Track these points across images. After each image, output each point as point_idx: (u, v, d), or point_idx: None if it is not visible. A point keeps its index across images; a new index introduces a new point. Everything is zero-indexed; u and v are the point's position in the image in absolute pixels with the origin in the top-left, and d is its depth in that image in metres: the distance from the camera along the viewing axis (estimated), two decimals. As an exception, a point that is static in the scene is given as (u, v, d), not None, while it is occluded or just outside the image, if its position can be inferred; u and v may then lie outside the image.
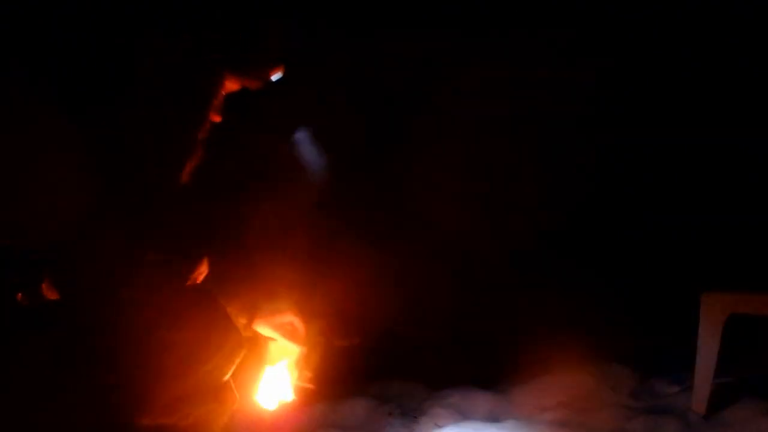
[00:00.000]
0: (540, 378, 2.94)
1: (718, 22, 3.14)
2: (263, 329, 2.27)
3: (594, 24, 3.30)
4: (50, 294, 1.60)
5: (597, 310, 3.15)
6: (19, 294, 1.54)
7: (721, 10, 3.06)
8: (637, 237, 3.49)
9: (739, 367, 2.83)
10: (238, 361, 1.62)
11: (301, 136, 2.80)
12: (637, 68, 3.43)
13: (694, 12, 3.12)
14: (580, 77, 3.41)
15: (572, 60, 3.41)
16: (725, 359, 2.59)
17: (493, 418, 2.71)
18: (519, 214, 3.46)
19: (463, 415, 2.73)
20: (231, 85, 1.65)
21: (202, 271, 1.87)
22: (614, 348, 3.05)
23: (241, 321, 2.20)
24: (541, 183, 3.49)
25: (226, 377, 1.60)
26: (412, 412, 2.77)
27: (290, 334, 2.29)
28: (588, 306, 3.15)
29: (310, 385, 2.42)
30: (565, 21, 3.31)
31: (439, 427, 2.64)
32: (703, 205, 3.37)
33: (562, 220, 3.48)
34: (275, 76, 1.70)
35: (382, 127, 3.39)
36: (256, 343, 2.32)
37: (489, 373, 3.08)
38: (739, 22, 3.13)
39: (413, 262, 3.32)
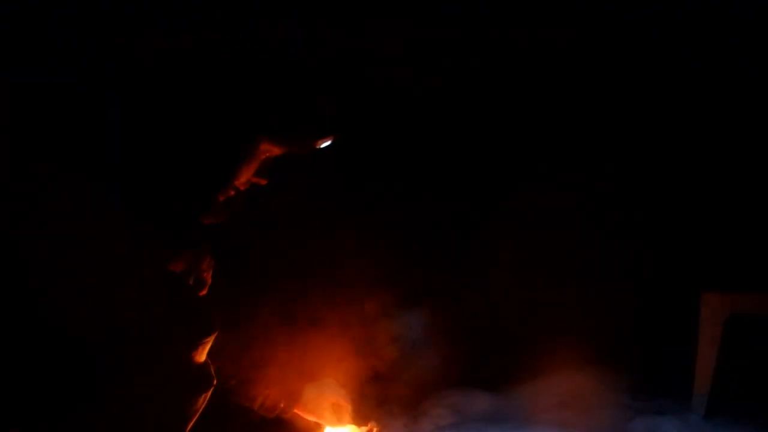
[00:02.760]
0: (540, 378, 2.94)
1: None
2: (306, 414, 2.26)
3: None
4: None
5: (597, 310, 3.14)
6: None
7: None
8: (637, 236, 3.48)
9: (739, 367, 2.83)
10: (210, 342, 1.58)
11: None
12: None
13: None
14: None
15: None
16: (725, 359, 2.59)
17: (493, 418, 2.71)
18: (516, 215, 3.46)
19: (463, 415, 2.73)
20: (273, 150, 1.61)
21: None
22: (614, 348, 3.05)
23: (280, 406, 2.17)
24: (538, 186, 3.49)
25: (199, 359, 1.57)
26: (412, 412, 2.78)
27: (336, 416, 2.26)
28: (588, 306, 3.15)
29: None
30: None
31: (440, 427, 2.64)
32: (703, 205, 3.37)
33: (562, 222, 3.48)
34: (324, 144, 1.64)
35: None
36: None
37: (489, 373, 3.08)
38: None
39: (412, 262, 3.33)
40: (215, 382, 1.60)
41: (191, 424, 1.57)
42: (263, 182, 1.66)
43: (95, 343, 1.41)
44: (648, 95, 3.47)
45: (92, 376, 1.39)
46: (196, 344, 1.52)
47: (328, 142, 1.62)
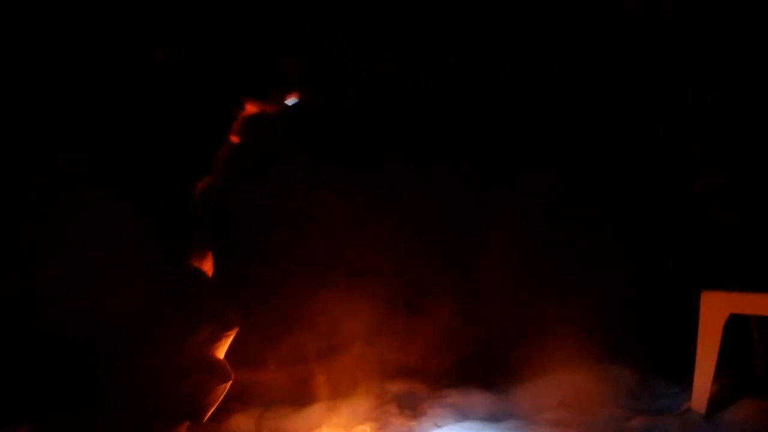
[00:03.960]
0: (540, 378, 2.94)
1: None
2: None
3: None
4: None
5: (597, 310, 3.14)
6: None
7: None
8: (637, 236, 3.48)
9: (739, 367, 2.83)
10: (231, 336, 1.70)
11: None
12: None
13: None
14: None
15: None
16: (725, 359, 2.58)
17: (493, 418, 2.71)
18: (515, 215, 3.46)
19: (463, 415, 2.73)
20: (250, 109, 1.80)
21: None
22: (614, 348, 3.05)
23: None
24: (537, 186, 3.49)
25: (219, 354, 1.68)
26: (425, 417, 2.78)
27: None
28: (588, 306, 3.15)
29: None
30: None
31: (439, 427, 2.64)
32: (704, 205, 3.37)
33: (563, 223, 3.48)
34: (291, 101, 1.86)
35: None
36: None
37: (489, 373, 3.08)
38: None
39: (414, 261, 3.34)
40: (233, 376, 1.69)
41: (210, 412, 1.66)
42: (237, 140, 1.84)
43: (113, 337, 1.46)
44: (648, 95, 3.48)
45: (113, 368, 1.45)
46: (218, 337, 1.61)
47: (295, 100, 1.83)
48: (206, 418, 1.72)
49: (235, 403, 2.70)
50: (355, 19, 3.32)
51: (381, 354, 3.16)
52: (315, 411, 2.74)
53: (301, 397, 2.86)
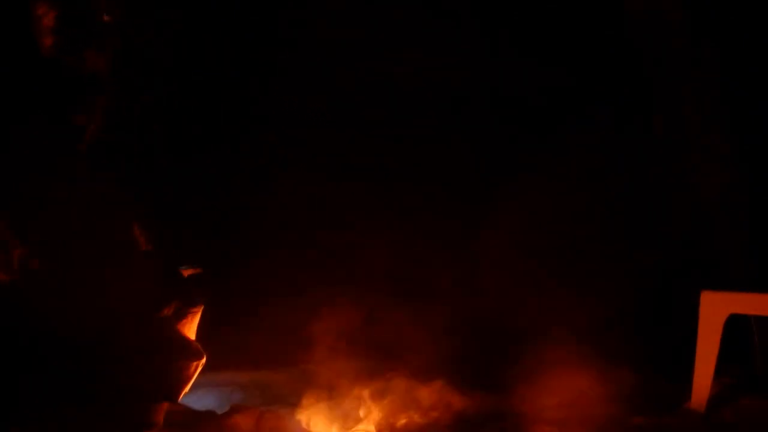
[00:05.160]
0: (540, 378, 2.94)
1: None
2: None
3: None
4: None
5: (597, 309, 3.15)
6: None
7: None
8: (637, 236, 3.49)
9: (739, 367, 2.83)
10: (197, 313, 1.73)
11: None
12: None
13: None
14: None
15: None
16: (725, 359, 2.58)
17: (493, 418, 2.71)
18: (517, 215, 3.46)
19: (463, 415, 2.73)
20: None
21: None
22: (614, 348, 3.05)
23: None
24: (537, 187, 3.49)
25: (188, 332, 1.70)
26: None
27: None
28: (588, 305, 3.15)
29: None
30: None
31: (440, 427, 2.64)
32: (703, 204, 3.37)
33: (563, 223, 3.49)
34: None
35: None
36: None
37: (489, 373, 3.08)
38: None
39: (415, 260, 3.34)
40: (205, 356, 1.71)
41: (187, 388, 1.67)
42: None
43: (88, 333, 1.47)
44: (648, 95, 3.48)
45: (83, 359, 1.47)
46: (183, 314, 1.62)
47: None
48: (180, 397, 1.74)
49: (235, 402, 2.71)
50: (355, 19, 3.32)
51: (381, 354, 3.16)
52: (315, 411, 2.74)
53: (301, 397, 2.86)
